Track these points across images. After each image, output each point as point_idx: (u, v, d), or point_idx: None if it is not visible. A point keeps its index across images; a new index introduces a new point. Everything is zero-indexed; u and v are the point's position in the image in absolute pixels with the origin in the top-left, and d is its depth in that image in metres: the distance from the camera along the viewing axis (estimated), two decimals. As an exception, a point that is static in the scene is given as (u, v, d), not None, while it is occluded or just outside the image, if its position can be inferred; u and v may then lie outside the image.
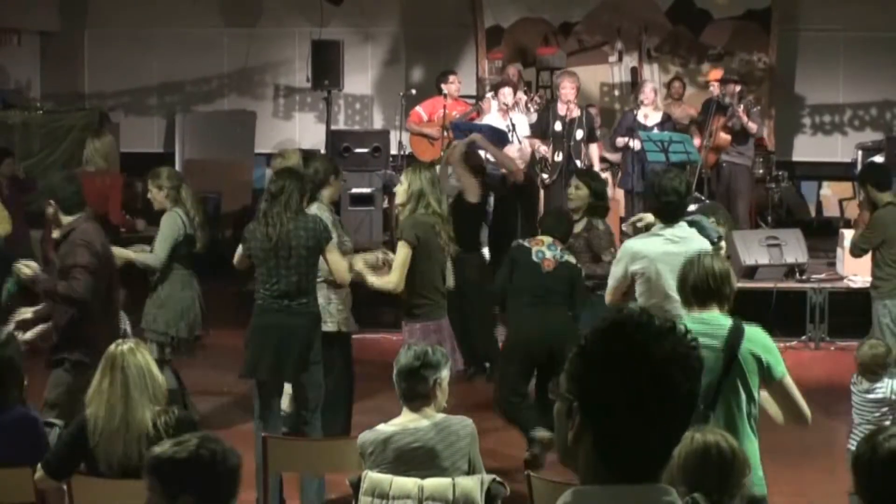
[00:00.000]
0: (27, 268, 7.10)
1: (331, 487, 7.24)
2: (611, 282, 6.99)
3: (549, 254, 8.07)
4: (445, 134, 13.10)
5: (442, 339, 7.20)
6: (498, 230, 10.70)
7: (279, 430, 7.14)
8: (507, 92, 12.79)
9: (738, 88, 13.02)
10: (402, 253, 7.19)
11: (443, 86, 13.36)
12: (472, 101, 13.33)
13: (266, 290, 7.05)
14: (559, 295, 8.07)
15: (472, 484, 4.93)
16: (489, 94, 13.60)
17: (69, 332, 7.09)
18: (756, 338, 5.16)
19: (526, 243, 8.25)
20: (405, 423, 5.12)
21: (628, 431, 2.17)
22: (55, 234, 7.23)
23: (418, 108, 13.30)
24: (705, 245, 6.66)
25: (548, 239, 8.19)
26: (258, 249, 7.02)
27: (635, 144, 12.51)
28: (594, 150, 12.59)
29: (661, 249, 6.70)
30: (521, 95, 13.57)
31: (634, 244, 6.97)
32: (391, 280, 7.24)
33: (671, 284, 6.22)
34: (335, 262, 7.08)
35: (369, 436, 5.11)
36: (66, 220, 7.13)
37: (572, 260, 8.20)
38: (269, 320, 7.03)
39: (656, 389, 2.16)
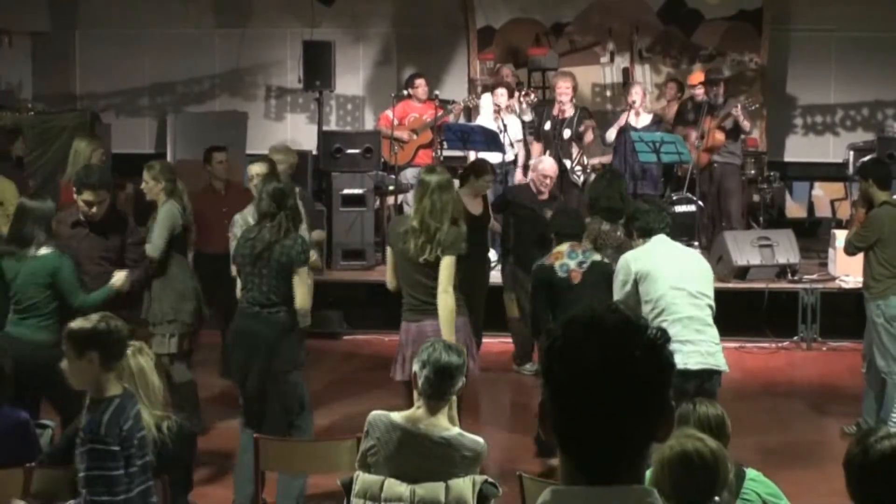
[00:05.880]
0: (122, 277, 7.40)
1: (310, 486, 7.21)
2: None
3: (572, 264, 7.69)
4: (415, 137, 13.11)
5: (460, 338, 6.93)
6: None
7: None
8: (502, 93, 12.79)
9: (722, 89, 13.04)
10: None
11: (410, 90, 13.40)
12: (444, 103, 13.33)
13: (244, 295, 7.20)
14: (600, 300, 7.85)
15: (463, 485, 4.91)
16: (481, 97, 13.60)
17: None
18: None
19: (545, 261, 7.78)
20: (419, 417, 4.99)
21: (576, 432, 2.05)
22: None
23: (388, 112, 13.30)
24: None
25: (564, 247, 7.76)
26: (240, 256, 7.22)
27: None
28: (588, 137, 12.55)
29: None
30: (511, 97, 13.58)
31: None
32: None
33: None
34: (299, 287, 7.05)
35: (382, 418, 4.98)
36: None
37: (598, 257, 7.82)
38: (241, 324, 7.18)
39: (595, 392, 2.02)
